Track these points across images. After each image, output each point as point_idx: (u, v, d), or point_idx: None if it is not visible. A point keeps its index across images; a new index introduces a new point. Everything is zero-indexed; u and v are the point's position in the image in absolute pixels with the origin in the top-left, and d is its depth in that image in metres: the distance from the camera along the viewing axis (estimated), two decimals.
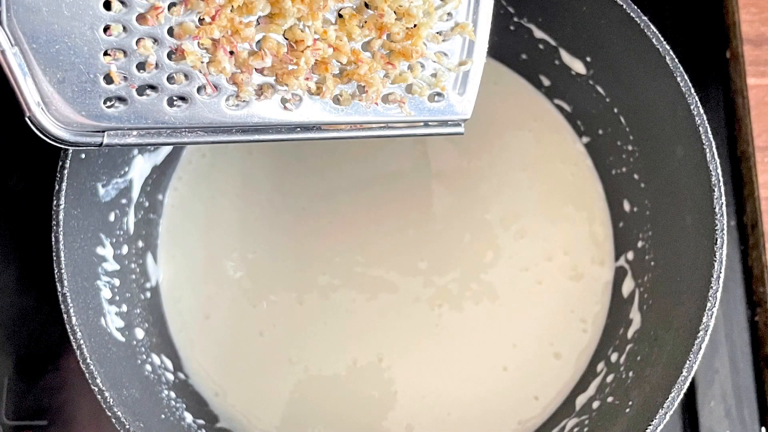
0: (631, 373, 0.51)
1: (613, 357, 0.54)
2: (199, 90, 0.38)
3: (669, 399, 0.44)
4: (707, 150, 0.47)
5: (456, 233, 0.58)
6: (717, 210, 0.46)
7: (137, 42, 0.36)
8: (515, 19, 0.57)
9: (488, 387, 0.56)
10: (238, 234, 0.58)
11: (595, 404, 0.52)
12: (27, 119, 0.36)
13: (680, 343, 0.46)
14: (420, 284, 0.57)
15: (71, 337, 0.44)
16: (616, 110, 0.55)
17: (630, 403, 0.49)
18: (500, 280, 0.58)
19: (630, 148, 0.55)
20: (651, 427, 0.44)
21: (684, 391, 0.44)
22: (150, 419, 0.47)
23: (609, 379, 0.53)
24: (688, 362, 0.44)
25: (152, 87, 0.38)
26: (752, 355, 0.58)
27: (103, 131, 0.37)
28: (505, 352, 0.56)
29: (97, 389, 0.44)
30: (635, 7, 0.48)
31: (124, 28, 0.36)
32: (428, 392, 0.56)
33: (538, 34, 0.57)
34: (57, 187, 0.45)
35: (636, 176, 0.55)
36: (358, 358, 0.56)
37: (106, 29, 0.35)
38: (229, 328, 0.57)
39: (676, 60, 0.48)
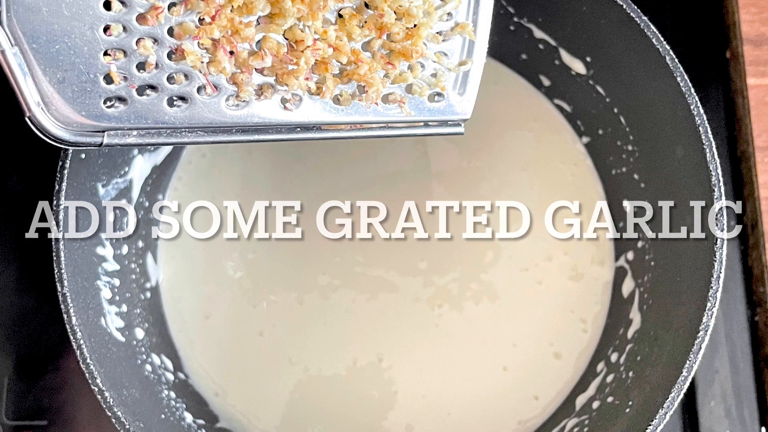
0: (631, 373, 0.51)
1: (613, 357, 0.54)
2: (199, 90, 0.38)
3: (669, 399, 0.44)
4: (707, 150, 0.47)
5: (456, 233, 0.58)
6: None
7: (137, 42, 0.36)
8: (515, 19, 0.57)
9: (488, 387, 0.56)
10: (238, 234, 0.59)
11: (595, 404, 0.52)
12: (27, 119, 0.36)
13: (680, 343, 0.46)
14: (420, 284, 0.57)
15: (71, 337, 0.44)
16: (616, 110, 0.55)
17: (630, 403, 0.49)
18: (500, 280, 0.58)
19: (630, 148, 0.55)
20: (651, 427, 0.44)
21: (684, 391, 0.44)
22: (150, 419, 0.47)
23: (609, 379, 0.53)
24: (688, 362, 0.44)
25: (152, 87, 0.38)
26: (752, 355, 0.58)
27: (103, 131, 0.37)
28: (505, 352, 0.56)
29: (97, 389, 0.44)
30: (635, 7, 0.48)
31: (124, 28, 0.36)
32: (428, 392, 0.56)
33: (538, 34, 0.57)
34: (57, 187, 0.45)
35: (636, 176, 0.55)
36: (358, 358, 0.56)
37: (106, 29, 0.35)
38: (229, 328, 0.57)
39: (676, 60, 0.48)
